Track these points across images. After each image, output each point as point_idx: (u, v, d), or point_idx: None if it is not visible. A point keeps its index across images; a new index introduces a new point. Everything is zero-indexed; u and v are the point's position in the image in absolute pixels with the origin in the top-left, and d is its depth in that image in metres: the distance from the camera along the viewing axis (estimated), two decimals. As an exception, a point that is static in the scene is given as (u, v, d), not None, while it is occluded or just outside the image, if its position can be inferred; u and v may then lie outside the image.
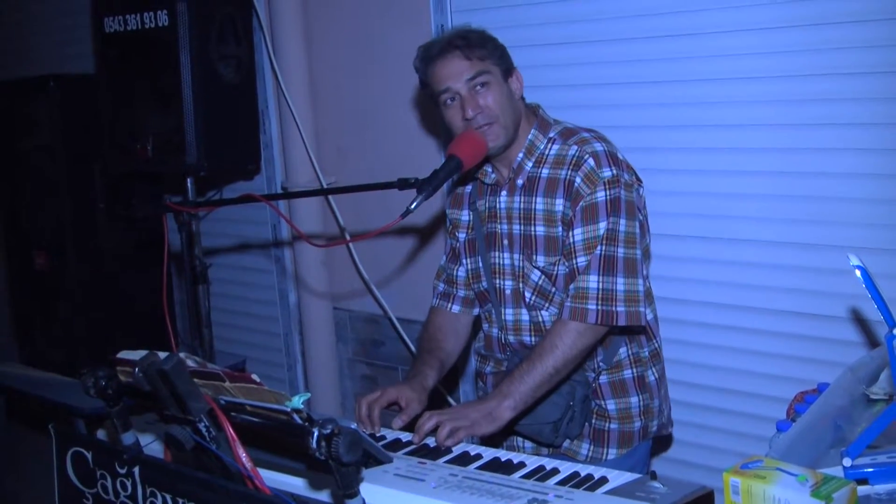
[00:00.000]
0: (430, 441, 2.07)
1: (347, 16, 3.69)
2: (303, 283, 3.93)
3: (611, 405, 2.37)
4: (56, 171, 3.63)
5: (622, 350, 2.37)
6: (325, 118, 3.81)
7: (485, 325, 2.51)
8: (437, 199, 3.24)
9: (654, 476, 1.76)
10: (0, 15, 5.24)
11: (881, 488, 1.66)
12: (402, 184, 2.20)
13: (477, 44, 2.26)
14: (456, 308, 2.53)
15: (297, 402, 1.50)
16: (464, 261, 2.50)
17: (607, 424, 2.37)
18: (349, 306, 3.96)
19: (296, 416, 1.50)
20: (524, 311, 2.37)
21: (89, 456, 1.86)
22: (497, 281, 2.40)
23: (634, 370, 2.39)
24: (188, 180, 3.44)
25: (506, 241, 2.38)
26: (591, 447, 2.38)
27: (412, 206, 2.14)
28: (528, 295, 2.35)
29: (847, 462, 1.68)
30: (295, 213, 3.77)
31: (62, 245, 3.67)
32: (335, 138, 3.82)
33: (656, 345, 2.46)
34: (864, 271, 1.68)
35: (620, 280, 2.21)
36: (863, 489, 1.65)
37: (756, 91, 2.71)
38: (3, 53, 5.21)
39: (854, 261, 1.69)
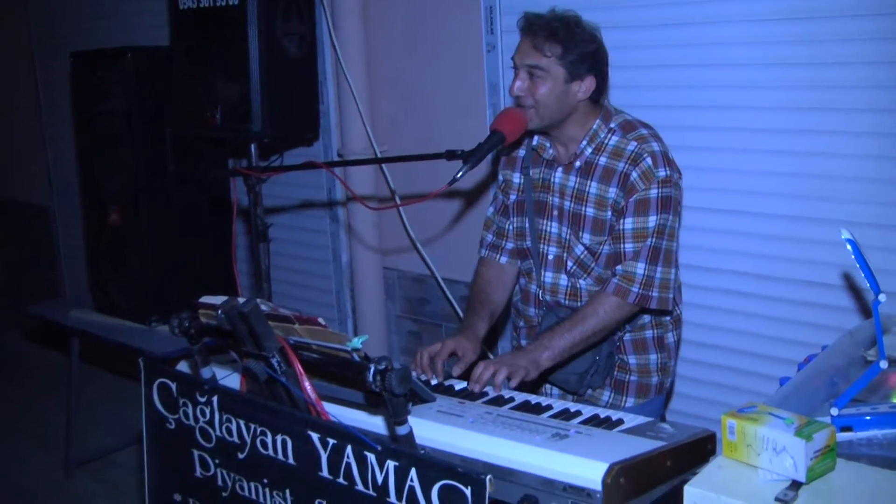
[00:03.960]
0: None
1: None
2: (355, 243, 4.11)
3: (632, 360, 2.59)
4: (131, 135, 3.78)
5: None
6: (379, 90, 3.97)
7: (522, 280, 2.69)
8: (482, 167, 3.45)
9: (663, 419, 2.00)
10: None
11: (863, 435, 1.85)
12: (450, 155, 2.40)
13: (555, 39, 2.36)
14: (504, 259, 2.70)
15: (357, 342, 1.73)
16: (512, 218, 2.67)
17: (628, 376, 2.60)
18: (398, 266, 4.14)
19: (355, 355, 1.73)
20: (563, 276, 2.56)
21: (174, 386, 2.09)
22: (542, 245, 2.58)
23: (655, 331, 2.60)
24: (252, 146, 3.61)
25: (556, 213, 2.55)
26: (612, 395, 2.60)
27: (458, 175, 2.35)
28: (569, 264, 2.54)
29: (834, 412, 1.87)
30: (349, 178, 3.94)
31: (135, 203, 3.84)
32: (388, 109, 3.98)
33: (679, 311, 2.65)
34: (854, 244, 1.85)
35: (660, 269, 2.41)
36: (847, 435, 1.84)
37: (777, 76, 2.86)
38: (89, 22, 5.45)
39: (845, 234, 1.85)
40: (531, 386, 2.52)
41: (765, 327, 3.03)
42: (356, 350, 1.73)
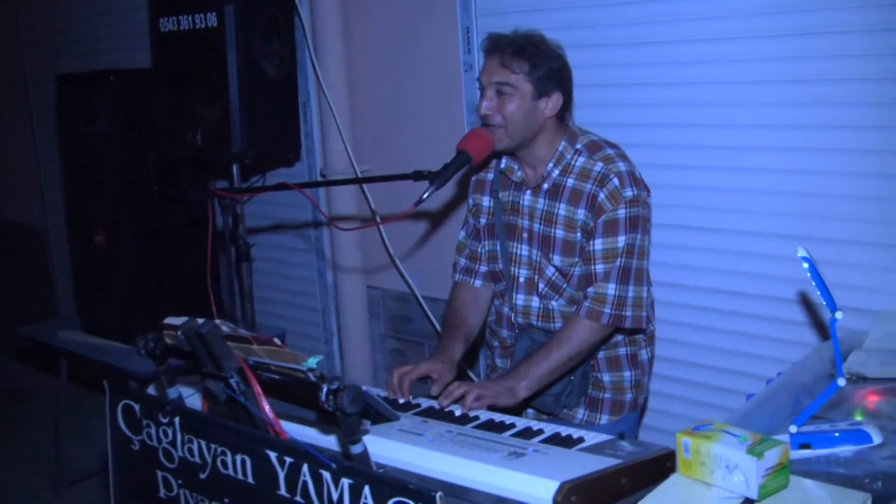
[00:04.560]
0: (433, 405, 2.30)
1: (382, 16, 3.89)
2: (338, 263, 4.13)
3: (606, 377, 2.59)
4: (114, 156, 3.81)
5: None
6: (361, 110, 4.00)
7: (497, 302, 2.69)
8: (462, 186, 3.46)
9: (622, 437, 2.00)
10: (66, 16, 5.59)
11: (821, 452, 1.85)
12: (417, 175, 2.41)
13: (523, 56, 2.37)
14: (478, 283, 2.70)
15: (312, 362, 1.73)
16: (483, 242, 2.67)
17: (602, 394, 2.60)
18: (381, 285, 4.16)
19: (310, 374, 1.73)
20: (535, 298, 2.56)
21: (137, 407, 2.09)
22: (513, 268, 2.59)
23: (629, 349, 2.60)
24: (234, 167, 3.65)
25: (525, 235, 2.55)
26: (586, 413, 2.61)
27: (424, 196, 2.35)
28: (541, 286, 2.54)
29: (793, 429, 1.87)
30: (333, 197, 3.99)
31: (119, 224, 3.86)
32: (370, 129, 4.01)
33: (652, 328, 2.66)
34: (810, 261, 1.86)
35: (631, 288, 2.42)
36: (806, 453, 1.85)
37: (751, 94, 2.88)
38: (72, 46, 5.53)
39: (801, 252, 1.85)
40: (512, 411, 2.52)
41: (738, 344, 3.05)
42: (311, 370, 1.74)
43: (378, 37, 3.93)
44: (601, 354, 2.58)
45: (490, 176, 2.66)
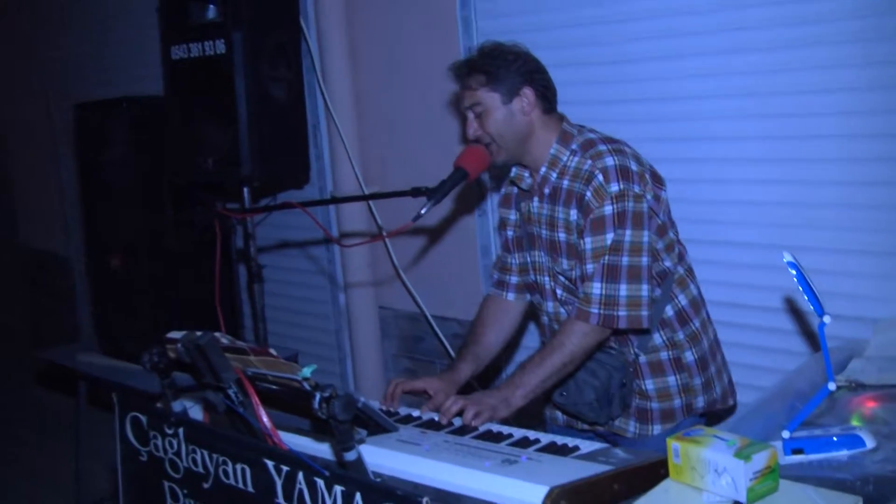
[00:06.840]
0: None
1: (387, 40, 3.95)
2: (350, 284, 4.17)
3: (649, 385, 2.53)
4: (129, 182, 3.90)
5: (655, 336, 2.52)
6: (368, 133, 4.06)
7: (539, 313, 2.70)
8: (468, 206, 3.50)
9: (615, 444, 2.03)
10: (83, 45, 5.71)
11: (814, 457, 1.86)
12: (415, 192, 2.47)
13: (477, 71, 2.44)
14: (511, 295, 2.69)
15: (307, 371, 1.77)
16: (514, 254, 2.69)
17: (649, 403, 2.54)
18: (392, 305, 4.19)
19: (305, 384, 1.76)
20: (560, 305, 2.56)
21: (144, 419, 2.13)
22: (538, 277, 2.60)
23: (671, 352, 2.53)
24: (244, 189, 3.72)
25: (539, 243, 2.56)
26: (637, 425, 2.55)
27: (423, 212, 2.40)
28: (559, 292, 2.55)
29: (786, 434, 1.89)
30: (343, 219, 4.06)
31: (135, 248, 3.95)
32: (378, 150, 4.06)
33: (694, 327, 2.57)
34: (797, 267, 1.87)
35: (623, 286, 2.36)
36: (799, 458, 1.86)
37: (736, 107, 2.90)
38: (88, 76, 5.67)
39: (787, 257, 1.86)
40: (539, 408, 2.53)
41: (734, 355, 2.99)
42: (306, 379, 1.78)
43: (384, 59, 3.97)
44: (643, 359, 2.52)
45: (515, 190, 2.68)
